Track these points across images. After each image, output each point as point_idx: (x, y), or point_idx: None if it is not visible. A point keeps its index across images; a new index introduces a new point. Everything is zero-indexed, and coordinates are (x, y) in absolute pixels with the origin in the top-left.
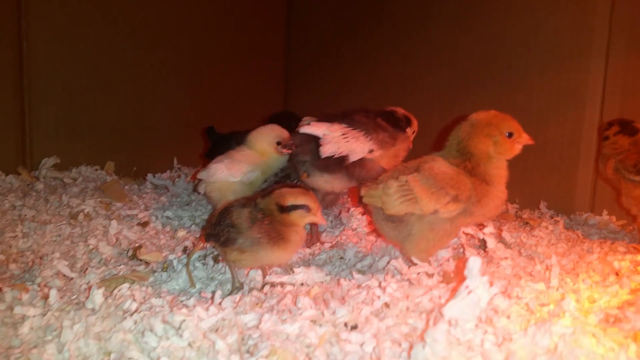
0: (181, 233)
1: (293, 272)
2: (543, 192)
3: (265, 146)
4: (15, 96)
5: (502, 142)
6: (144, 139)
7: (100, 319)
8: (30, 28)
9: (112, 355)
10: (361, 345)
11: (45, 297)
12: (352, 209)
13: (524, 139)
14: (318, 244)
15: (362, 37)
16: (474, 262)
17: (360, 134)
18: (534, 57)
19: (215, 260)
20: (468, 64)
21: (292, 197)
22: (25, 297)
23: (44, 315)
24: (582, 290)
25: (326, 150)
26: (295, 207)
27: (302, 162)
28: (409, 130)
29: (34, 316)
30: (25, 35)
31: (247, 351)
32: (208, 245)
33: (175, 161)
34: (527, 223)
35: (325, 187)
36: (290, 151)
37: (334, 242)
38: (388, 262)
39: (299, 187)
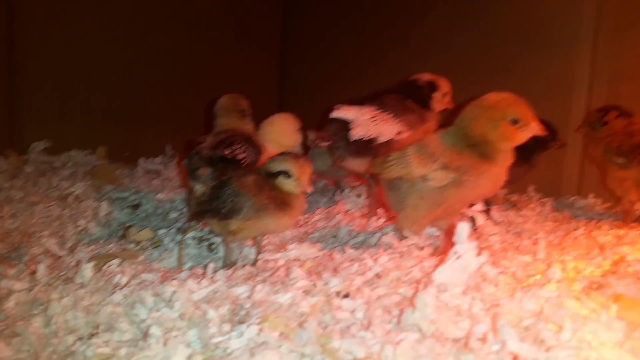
0: (173, 215)
1: (287, 249)
2: (531, 176)
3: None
4: (3, 76)
5: (501, 128)
6: (137, 124)
7: (89, 293)
8: (20, 6)
9: (101, 327)
10: (352, 312)
11: (33, 273)
12: (346, 191)
13: (533, 128)
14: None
15: (359, 24)
16: (463, 228)
17: (389, 116)
18: (525, 43)
19: (210, 249)
20: (462, 50)
21: (276, 163)
22: (11, 272)
23: (31, 290)
24: (567, 262)
25: (355, 134)
26: (278, 173)
27: (336, 148)
28: (436, 95)
29: (20, 290)
30: (15, 14)
31: (239, 320)
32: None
33: (169, 147)
34: (515, 205)
35: (360, 170)
36: (328, 143)
37: (327, 222)
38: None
39: (295, 153)
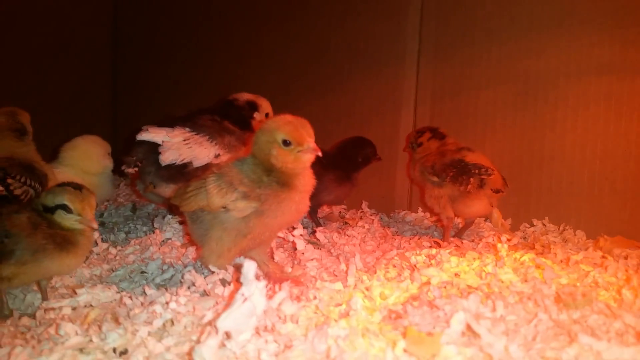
0: None
1: (76, 294)
2: (365, 192)
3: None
4: None
5: (275, 151)
6: None
7: None
8: None
9: None
10: None
11: None
12: (167, 218)
13: (308, 149)
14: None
15: (195, 38)
16: (249, 267)
17: (204, 138)
18: (356, 62)
19: None
20: (297, 68)
21: (53, 196)
22: None
23: None
24: (374, 287)
25: (166, 158)
26: (56, 208)
27: (147, 173)
28: (257, 115)
29: None
30: None
31: None
32: None
33: None
34: (346, 223)
35: None
36: (136, 169)
37: (140, 255)
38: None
39: (76, 183)
